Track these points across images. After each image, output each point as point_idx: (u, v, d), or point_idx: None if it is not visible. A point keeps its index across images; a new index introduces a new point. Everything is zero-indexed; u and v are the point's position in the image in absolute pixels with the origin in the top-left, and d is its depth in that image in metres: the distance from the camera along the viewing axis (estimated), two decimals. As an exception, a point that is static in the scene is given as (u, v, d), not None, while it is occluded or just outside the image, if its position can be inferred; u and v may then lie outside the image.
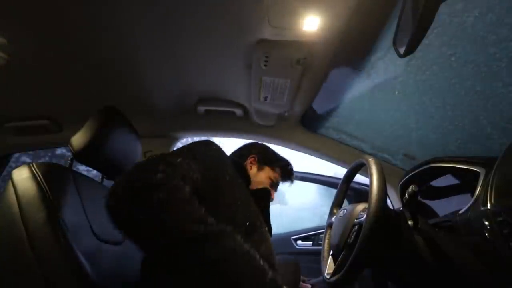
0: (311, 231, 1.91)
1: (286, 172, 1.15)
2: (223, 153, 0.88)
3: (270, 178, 1.09)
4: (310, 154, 1.57)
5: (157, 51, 1.03)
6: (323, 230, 1.02)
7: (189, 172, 0.64)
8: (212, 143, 0.87)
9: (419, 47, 0.52)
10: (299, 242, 1.88)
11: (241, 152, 1.15)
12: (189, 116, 1.46)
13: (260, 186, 1.06)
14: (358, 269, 0.64)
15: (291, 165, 1.17)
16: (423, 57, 0.97)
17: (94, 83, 1.19)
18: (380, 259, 0.71)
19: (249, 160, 1.10)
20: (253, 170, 1.08)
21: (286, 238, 1.89)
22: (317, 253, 0.97)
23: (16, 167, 0.86)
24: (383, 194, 0.64)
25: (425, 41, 0.50)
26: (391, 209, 0.74)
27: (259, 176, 1.08)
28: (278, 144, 1.58)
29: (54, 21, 0.88)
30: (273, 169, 1.12)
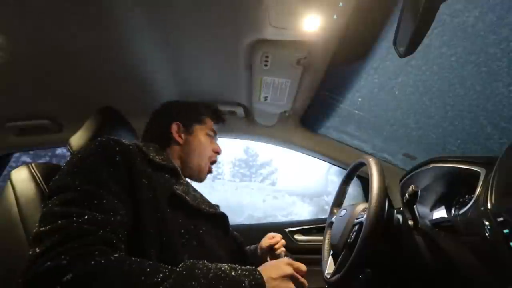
0: (312, 224, 1.52)
1: (215, 115, 1.01)
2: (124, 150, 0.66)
3: (207, 134, 0.94)
4: (310, 155, 1.57)
5: (157, 51, 1.03)
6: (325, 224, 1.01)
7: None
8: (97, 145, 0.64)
9: (419, 47, 0.52)
10: (297, 236, 1.49)
11: (157, 129, 0.91)
12: (189, 116, 1.46)
13: (203, 154, 0.90)
14: (359, 269, 0.64)
15: (212, 105, 1.05)
16: (423, 57, 0.98)
17: (93, 83, 1.19)
18: (380, 259, 0.71)
19: (174, 130, 0.89)
20: (184, 139, 0.89)
21: (279, 230, 1.37)
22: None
23: (16, 167, 0.86)
24: (383, 194, 0.64)
25: (425, 41, 0.50)
26: (391, 209, 0.74)
27: (196, 141, 0.90)
28: (278, 144, 1.58)
29: (54, 21, 0.88)
30: (203, 121, 0.95)
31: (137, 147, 0.73)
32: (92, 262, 0.45)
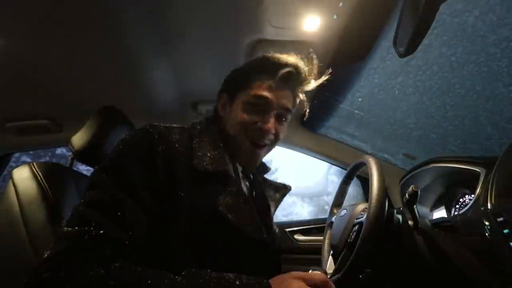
0: (312, 224, 1.51)
1: (264, 67, 0.69)
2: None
3: (247, 102, 0.68)
4: (310, 155, 1.57)
5: (157, 51, 1.03)
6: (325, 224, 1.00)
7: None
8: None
9: (419, 47, 0.52)
10: (297, 236, 1.47)
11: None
12: (189, 115, 1.46)
13: (237, 130, 0.69)
14: (359, 269, 0.64)
15: (267, 56, 0.71)
16: (423, 57, 0.98)
17: (94, 83, 1.19)
18: (380, 259, 0.71)
19: (220, 103, 0.74)
20: (227, 113, 0.72)
21: (279, 230, 1.42)
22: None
23: (16, 167, 0.86)
24: (383, 194, 0.64)
25: (425, 41, 0.50)
26: (391, 209, 0.74)
27: (232, 114, 0.70)
28: (278, 144, 1.57)
29: (54, 21, 0.88)
30: (248, 85, 0.69)
31: (186, 140, 0.63)
32: (91, 273, 0.43)
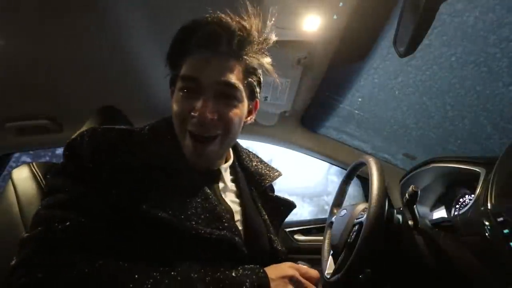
0: (312, 224, 1.51)
1: (185, 39, 0.58)
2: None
3: (179, 88, 0.58)
4: (310, 155, 1.57)
5: (156, 51, 1.03)
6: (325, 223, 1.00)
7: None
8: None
9: (419, 47, 0.52)
10: (297, 236, 1.48)
11: None
12: (189, 116, 1.46)
13: (176, 122, 0.59)
14: (359, 269, 0.64)
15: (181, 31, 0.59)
16: (423, 57, 0.98)
17: (94, 83, 1.19)
18: (381, 259, 0.71)
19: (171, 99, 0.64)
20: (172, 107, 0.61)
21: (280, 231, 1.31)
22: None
23: (16, 167, 0.86)
24: (383, 194, 0.64)
25: (425, 41, 0.50)
26: (391, 209, 0.74)
27: (172, 109, 0.61)
28: (278, 144, 1.58)
29: (54, 21, 0.88)
30: (180, 67, 0.59)
31: (127, 141, 0.55)
32: (74, 272, 0.41)
